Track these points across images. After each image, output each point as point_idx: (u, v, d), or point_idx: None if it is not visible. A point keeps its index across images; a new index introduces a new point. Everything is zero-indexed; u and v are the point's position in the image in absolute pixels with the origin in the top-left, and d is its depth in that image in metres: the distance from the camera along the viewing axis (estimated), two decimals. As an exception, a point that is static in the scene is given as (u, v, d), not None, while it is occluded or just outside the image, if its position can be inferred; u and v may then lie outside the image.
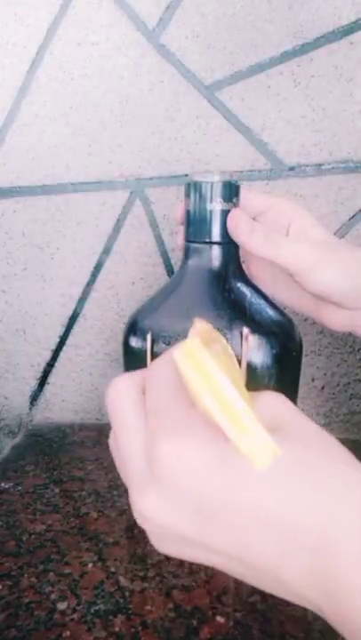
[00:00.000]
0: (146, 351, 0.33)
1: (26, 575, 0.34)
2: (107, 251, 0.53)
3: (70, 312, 0.55)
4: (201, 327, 0.23)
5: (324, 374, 0.53)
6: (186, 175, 0.50)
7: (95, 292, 0.54)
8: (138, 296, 0.53)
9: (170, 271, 0.53)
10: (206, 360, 0.18)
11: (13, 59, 0.49)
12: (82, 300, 0.54)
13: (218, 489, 0.17)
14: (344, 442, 0.19)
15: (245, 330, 0.31)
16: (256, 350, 0.32)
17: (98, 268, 0.53)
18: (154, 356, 0.34)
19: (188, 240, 0.34)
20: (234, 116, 0.48)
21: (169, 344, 0.33)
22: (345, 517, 0.17)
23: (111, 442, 0.23)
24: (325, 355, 0.53)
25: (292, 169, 0.49)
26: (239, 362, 0.31)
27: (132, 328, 0.35)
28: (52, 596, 0.32)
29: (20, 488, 0.44)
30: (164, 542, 0.20)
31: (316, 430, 0.19)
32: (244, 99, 0.47)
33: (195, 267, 0.34)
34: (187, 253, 0.35)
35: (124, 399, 0.21)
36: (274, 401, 0.20)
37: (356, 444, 0.44)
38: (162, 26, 0.47)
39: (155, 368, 0.22)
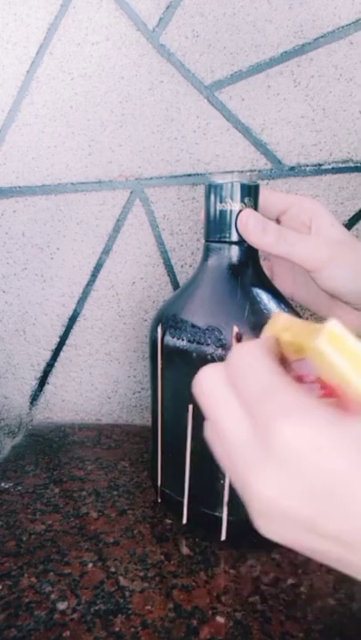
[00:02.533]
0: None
1: (26, 575, 0.34)
2: (107, 251, 0.53)
3: (70, 312, 0.55)
4: (282, 319, 0.23)
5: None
6: (193, 175, 0.50)
7: (95, 291, 0.54)
8: (138, 296, 0.53)
9: (170, 271, 0.53)
10: (351, 342, 0.18)
11: (13, 59, 0.49)
12: (82, 300, 0.54)
13: (343, 467, 0.17)
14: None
15: (235, 329, 0.32)
16: None
17: (98, 268, 0.53)
18: (165, 349, 0.35)
19: (206, 239, 0.35)
20: (234, 116, 0.48)
21: (185, 340, 0.34)
22: None
23: (210, 431, 0.22)
24: (325, 355, 0.53)
25: (292, 169, 0.49)
26: None
27: (156, 325, 0.36)
28: (52, 596, 0.32)
29: (19, 488, 0.44)
30: (273, 526, 0.19)
31: None
32: (244, 99, 0.47)
33: (212, 265, 0.35)
34: (205, 252, 0.36)
35: (218, 385, 0.21)
36: None
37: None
38: (162, 26, 0.47)
39: (242, 355, 0.21)
